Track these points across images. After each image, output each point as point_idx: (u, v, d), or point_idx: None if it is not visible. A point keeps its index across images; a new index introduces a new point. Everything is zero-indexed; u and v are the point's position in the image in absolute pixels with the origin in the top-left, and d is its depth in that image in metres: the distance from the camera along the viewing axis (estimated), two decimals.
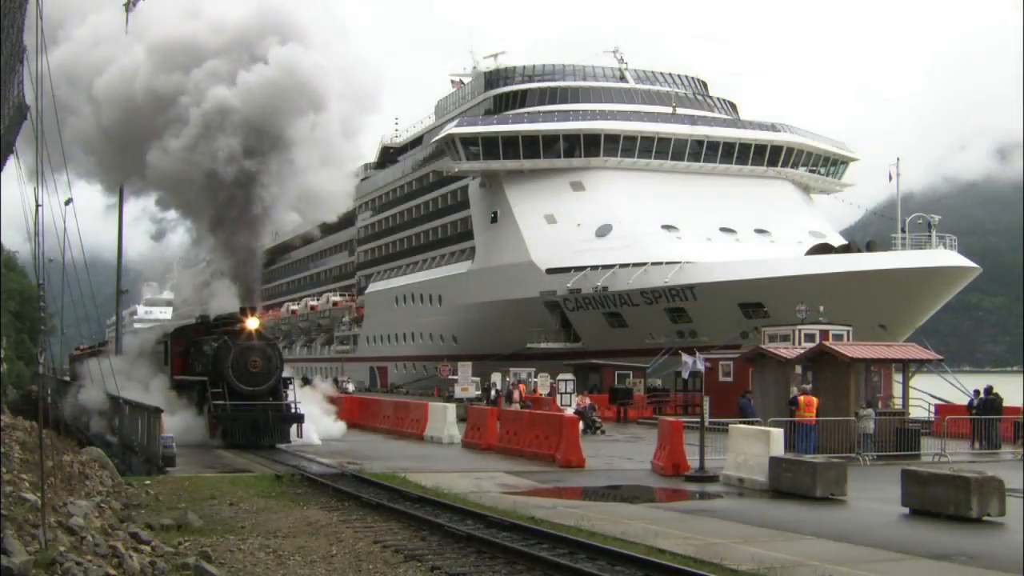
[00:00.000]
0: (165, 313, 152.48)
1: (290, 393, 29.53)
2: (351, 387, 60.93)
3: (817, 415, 25.34)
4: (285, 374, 30.08)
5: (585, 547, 13.34)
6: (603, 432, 34.26)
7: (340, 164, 33.53)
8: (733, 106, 72.53)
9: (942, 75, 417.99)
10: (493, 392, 43.34)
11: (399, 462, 24.42)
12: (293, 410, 28.79)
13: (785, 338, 34.39)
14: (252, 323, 29.07)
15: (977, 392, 31.25)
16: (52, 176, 17.72)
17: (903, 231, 51.32)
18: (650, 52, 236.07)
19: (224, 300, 34.07)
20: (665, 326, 54.94)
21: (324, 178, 32.26)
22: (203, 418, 28.96)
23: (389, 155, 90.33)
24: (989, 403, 29.79)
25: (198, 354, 31.47)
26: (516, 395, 40.30)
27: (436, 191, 76.27)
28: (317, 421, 31.05)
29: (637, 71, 71.30)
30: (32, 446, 19.23)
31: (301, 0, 31.82)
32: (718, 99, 72.14)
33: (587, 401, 36.99)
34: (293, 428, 28.48)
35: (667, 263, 53.15)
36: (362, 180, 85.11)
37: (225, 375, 28.33)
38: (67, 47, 32.30)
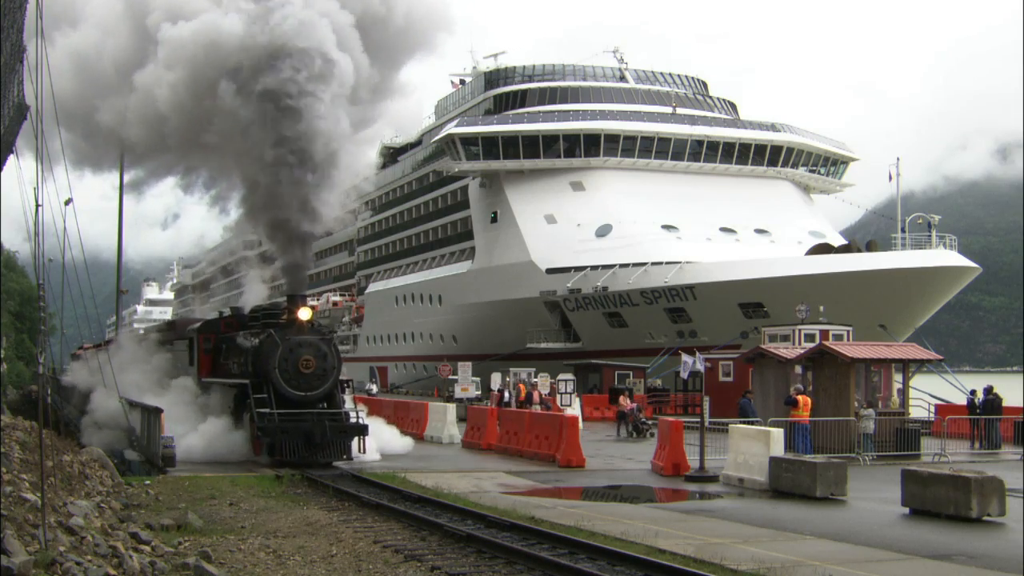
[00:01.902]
0: (165, 313, 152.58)
1: (347, 398, 25.17)
2: (375, 388, 60.69)
3: (810, 414, 25.39)
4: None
5: (585, 547, 13.34)
6: (653, 435, 31.59)
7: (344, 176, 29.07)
8: (733, 106, 72.54)
9: (942, 74, 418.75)
10: (506, 394, 41.03)
11: (399, 462, 24.43)
12: (355, 419, 23.79)
13: (785, 338, 34.41)
14: (303, 313, 24.03)
15: (974, 392, 31.26)
16: (52, 176, 17.74)
17: (903, 231, 51.37)
18: (650, 52, 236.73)
19: (257, 292, 30.40)
20: (665, 326, 54.93)
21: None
22: (243, 430, 24.63)
23: (389, 155, 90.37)
24: (989, 403, 29.81)
25: (232, 352, 26.78)
26: (536, 396, 39.38)
27: (436, 191, 76.29)
28: (379, 432, 26.50)
29: (637, 71, 71.32)
30: (32, 446, 19.24)
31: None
32: (718, 99, 72.15)
33: (631, 403, 34.59)
34: (354, 442, 23.57)
35: (667, 263, 53.15)
36: (361, 180, 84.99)
37: (271, 377, 23.33)
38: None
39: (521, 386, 41.66)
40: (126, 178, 38.36)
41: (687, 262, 52.52)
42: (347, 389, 25.30)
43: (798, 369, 28.18)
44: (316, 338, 24.03)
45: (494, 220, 66.45)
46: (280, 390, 23.34)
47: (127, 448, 27.37)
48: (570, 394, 39.74)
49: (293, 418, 22.94)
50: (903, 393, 30.42)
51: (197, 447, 24.63)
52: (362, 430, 23.53)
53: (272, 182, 24.74)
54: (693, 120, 64.66)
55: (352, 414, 23.95)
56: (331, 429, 22.93)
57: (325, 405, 23.95)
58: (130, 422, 27.57)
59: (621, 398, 37.08)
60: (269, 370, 23.39)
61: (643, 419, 33.24)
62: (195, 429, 25.47)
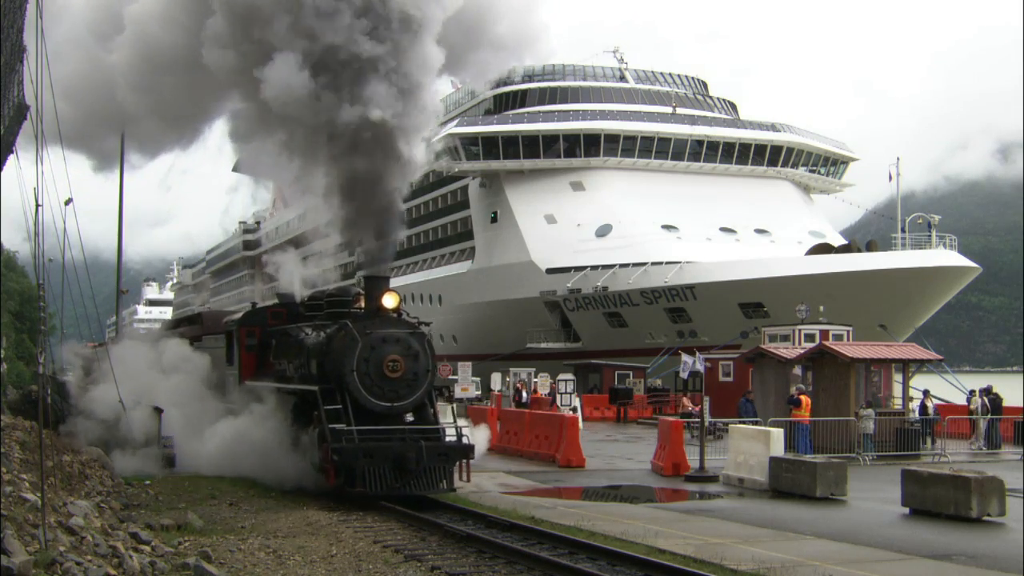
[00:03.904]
0: (165, 313, 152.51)
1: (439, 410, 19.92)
2: None
3: (810, 414, 25.44)
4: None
5: (585, 547, 13.34)
6: (722, 439, 29.06)
7: None
8: (733, 106, 72.54)
9: (943, 74, 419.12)
10: (525, 394, 39.71)
11: None
12: (458, 437, 18.76)
13: (785, 338, 34.44)
14: (388, 300, 18.92)
15: (973, 392, 31.27)
16: (52, 176, 17.70)
17: (903, 231, 51.40)
18: (650, 52, 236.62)
19: (299, 277, 25.40)
20: (665, 326, 54.95)
21: None
22: (305, 451, 19.24)
23: None
24: (989, 403, 29.82)
25: (287, 349, 21.56)
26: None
27: (436, 191, 76.26)
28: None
29: (637, 71, 71.32)
30: (32, 446, 19.22)
31: None
32: (718, 99, 72.16)
33: (696, 405, 32.23)
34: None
35: (667, 263, 53.15)
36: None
37: (346, 382, 18.21)
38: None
39: (520, 385, 41.60)
40: (161, 169, 35.53)
41: (687, 262, 52.52)
42: (442, 398, 20.00)
43: (798, 369, 28.18)
44: (405, 332, 18.80)
45: (494, 220, 66.45)
46: (359, 399, 18.24)
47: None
48: (570, 394, 39.72)
49: (378, 437, 17.90)
50: (977, 394, 29.88)
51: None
52: (466, 451, 18.40)
53: (354, 113, 19.09)
54: (693, 120, 64.64)
55: (452, 430, 18.94)
56: (429, 451, 17.72)
57: (413, 418, 19.13)
58: (128, 424, 24.67)
59: (685, 399, 35.84)
60: (344, 373, 18.22)
61: (716, 424, 30.40)
62: (237, 448, 21.37)
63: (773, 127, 66.80)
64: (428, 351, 18.93)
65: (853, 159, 70.10)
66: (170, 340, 29.34)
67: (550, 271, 59.20)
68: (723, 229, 58.94)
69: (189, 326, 31.45)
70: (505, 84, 70.24)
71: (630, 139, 62.52)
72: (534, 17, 24.95)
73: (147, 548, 12.60)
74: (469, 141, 63.70)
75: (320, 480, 18.44)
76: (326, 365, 19.02)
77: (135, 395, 25.17)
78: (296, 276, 26.11)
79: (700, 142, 63.67)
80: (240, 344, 23.71)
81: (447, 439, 18.67)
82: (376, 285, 19.28)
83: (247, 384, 22.96)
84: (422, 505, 17.26)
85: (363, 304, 19.86)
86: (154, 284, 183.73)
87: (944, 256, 49.59)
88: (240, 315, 25.25)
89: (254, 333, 23.77)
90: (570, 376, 41.84)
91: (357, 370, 18.19)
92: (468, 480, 18.43)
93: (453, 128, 64.56)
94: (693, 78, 74.03)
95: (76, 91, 26.51)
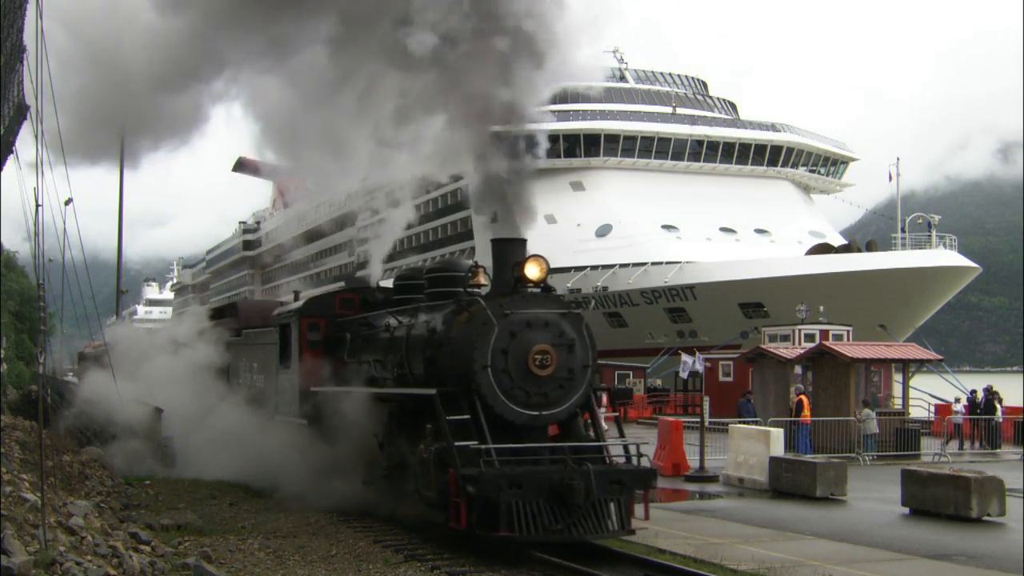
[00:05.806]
0: (165, 313, 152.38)
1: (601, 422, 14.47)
2: None
3: (810, 414, 25.49)
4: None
5: (585, 547, 13.32)
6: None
7: None
8: (733, 106, 72.54)
9: (944, 74, 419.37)
10: None
11: None
12: (632, 459, 13.88)
13: (785, 338, 34.46)
14: (532, 270, 14.53)
15: (974, 392, 31.27)
16: (52, 176, 17.68)
17: (903, 231, 51.46)
18: (650, 52, 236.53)
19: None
20: (665, 326, 54.96)
21: None
22: (413, 478, 14.05)
23: None
24: (989, 403, 29.82)
25: (370, 344, 17.11)
26: (604, 399, 37.30)
27: (436, 191, 76.22)
28: None
29: (637, 71, 71.29)
30: (32, 446, 19.23)
31: None
32: (718, 99, 72.15)
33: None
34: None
35: (667, 263, 53.18)
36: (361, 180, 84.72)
37: (476, 381, 13.33)
38: None
39: None
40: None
41: (687, 262, 52.54)
42: (602, 404, 15.32)
43: (798, 369, 28.19)
44: (556, 313, 14.11)
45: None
46: (495, 407, 13.31)
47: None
48: None
49: (522, 458, 13.04)
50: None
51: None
52: (648, 479, 13.45)
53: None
54: (693, 120, 64.61)
55: (629, 448, 13.95)
56: (598, 478, 12.80)
57: (562, 433, 14.06)
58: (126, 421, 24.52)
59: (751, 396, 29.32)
60: (474, 370, 13.32)
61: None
62: (300, 474, 17.58)
63: (773, 127, 66.80)
64: (587, 340, 14.05)
65: (853, 159, 70.12)
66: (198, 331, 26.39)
67: (550, 271, 59.09)
68: (723, 229, 58.95)
69: (221, 319, 27.09)
70: None
71: (630, 139, 62.48)
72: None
73: (147, 548, 12.60)
74: None
75: (436, 516, 13.65)
76: (441, 361, 14.12)
77: (147, 397, 24.70)
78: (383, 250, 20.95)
79: (700, 142, 63.64)
80: (302, 339, 18.75)
81: (632, 463, 13.82)
82: (512, 249, 14.81)
83: (314, 390, 17.94)
84: (582, 555, 12.88)
85: (481, 280, 15.74)
86: (154, 284, 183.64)
87: (944, 256, 49.63)
88: (299, 303, 19.88)
89: (318, 325, 18.84)
90: None
91: (492, 366, 13.30)
92: (647, 518, 13.42)
93: None
94: (693, 78, 74.00)
95: (78, 104, 26.17)
